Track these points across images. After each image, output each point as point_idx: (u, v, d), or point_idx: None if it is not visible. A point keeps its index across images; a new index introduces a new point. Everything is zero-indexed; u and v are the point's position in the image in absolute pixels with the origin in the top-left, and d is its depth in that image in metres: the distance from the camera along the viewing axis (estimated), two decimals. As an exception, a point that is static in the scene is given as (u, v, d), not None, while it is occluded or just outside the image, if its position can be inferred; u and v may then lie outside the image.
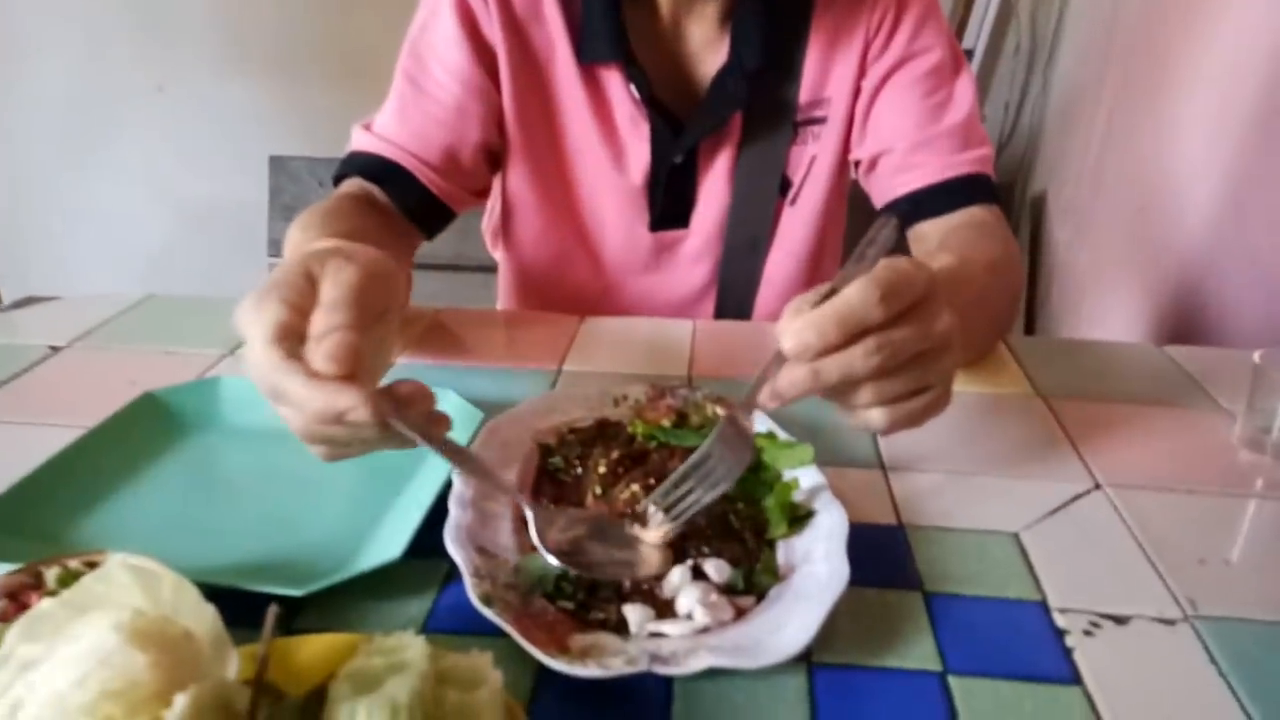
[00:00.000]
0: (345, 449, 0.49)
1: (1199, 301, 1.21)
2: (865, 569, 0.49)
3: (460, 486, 0.54)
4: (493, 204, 1.01)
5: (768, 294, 0.98)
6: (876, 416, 0.51)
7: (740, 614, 0.47)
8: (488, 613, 0.45)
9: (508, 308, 1.04)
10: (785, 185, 0.93)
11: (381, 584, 0.50)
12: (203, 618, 0.37)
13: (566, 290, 0.98)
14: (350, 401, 0.44)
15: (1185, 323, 1.23)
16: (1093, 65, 1.81)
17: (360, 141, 0.87)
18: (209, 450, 0.64)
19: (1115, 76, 1.65)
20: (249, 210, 1.64)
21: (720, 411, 0.64)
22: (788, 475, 0.56)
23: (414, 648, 0.36)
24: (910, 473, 0.63)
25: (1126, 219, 1.48)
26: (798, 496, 0.54)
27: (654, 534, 0.51)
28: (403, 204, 0.85)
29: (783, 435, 0.60)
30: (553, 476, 0.59)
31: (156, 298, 0.92)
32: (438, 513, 0.52)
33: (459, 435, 0.61)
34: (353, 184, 0.85)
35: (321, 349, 0.44)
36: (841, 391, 0.50)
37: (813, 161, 0.92)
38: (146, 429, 0.64)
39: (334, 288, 0.46)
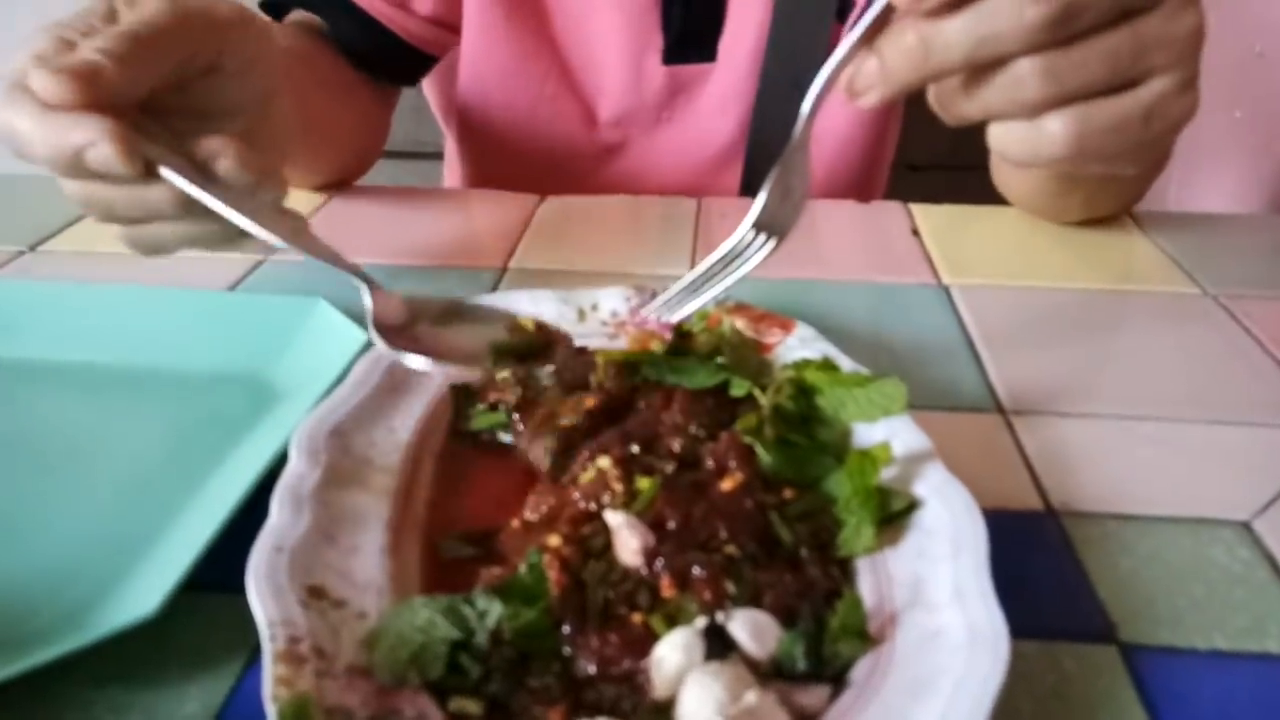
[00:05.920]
0: (146, 232, 0.39)
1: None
2: (1009, 603, 0.25)
3: (300, 465, 0.31)
4: (447, 68, 0.76)
5: (814, 159, 0.72)
6: (1055, 127, 0.31)
7: (804, 725, 0.24)
8: (294, 748, 0.22)
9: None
10: (845, 4, 0.66)
11: (129, 659, 0.27)
12: None
13: (540, 160, 0.73)
14: (87, 134, 0.34)
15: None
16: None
17: None
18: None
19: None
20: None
21: (739, 325, 0.40)
22: (865, 436, 0.33)
23: None
24: (1050, 418, 0.39)
25: (1240, 65, 1.21)
26: (888, 475, 0.31)
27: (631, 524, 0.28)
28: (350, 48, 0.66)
29: (848, 364, 0.36)
30: (472, 440, 0.36)
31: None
32: (246, 530, 0.29)
33: (326, 368, 0.38)
34: (296, 16, 0.66)
35: (47, 69, 0.34)
36: (986, 73, 0.31)
37: None
38: None
39: (128, 16, 0.37)
